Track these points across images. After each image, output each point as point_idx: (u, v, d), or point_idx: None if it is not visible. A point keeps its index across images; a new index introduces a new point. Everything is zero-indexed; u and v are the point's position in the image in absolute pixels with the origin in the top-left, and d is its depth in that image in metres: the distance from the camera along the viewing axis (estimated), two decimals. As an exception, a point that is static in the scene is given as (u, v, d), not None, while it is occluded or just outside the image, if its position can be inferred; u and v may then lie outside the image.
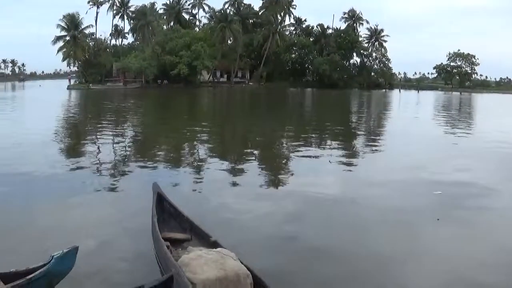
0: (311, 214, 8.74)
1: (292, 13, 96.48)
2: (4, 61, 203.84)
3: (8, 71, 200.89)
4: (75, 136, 20.73)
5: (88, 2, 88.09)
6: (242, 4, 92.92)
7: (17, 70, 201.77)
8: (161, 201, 7.27)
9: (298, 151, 16.67)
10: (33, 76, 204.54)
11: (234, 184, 11.42)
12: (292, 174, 12.83)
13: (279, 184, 11.82)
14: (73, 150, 16.71)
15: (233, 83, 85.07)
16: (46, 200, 9.42)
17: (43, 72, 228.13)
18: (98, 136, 19.80)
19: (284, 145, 19.12)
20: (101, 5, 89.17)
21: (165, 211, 7.20)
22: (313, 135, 21.48)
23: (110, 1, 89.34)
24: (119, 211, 8.82)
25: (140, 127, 24.56)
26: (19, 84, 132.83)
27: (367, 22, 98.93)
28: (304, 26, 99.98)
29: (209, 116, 33.48)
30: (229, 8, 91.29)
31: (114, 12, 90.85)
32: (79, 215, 8.45)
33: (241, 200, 9.65)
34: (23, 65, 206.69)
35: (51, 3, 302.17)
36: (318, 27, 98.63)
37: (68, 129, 23.62)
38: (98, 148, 17.08)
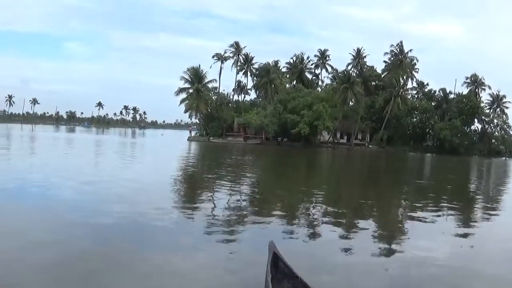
0: (423, 283, 8.59)
1: (415, 77, 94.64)
2: (126, 107, 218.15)
3: (129, 117, 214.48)
4: (193, 187, 21.77)
5: (213, 57, 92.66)
6: (365, 66, 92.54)
7: (138, 117, 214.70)
8: (276, 261, 7.29)
9: (412, 218, 16.02)
10: (154, 124, 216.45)
11: (348, 247, 11.21)
12: (404, 242, 12.37)
13: (392, 250, 11.32)
14: (189, 200, 17.44)
15: (353, 144, 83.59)
16: (158, 247, 9.87)
17: (164, 121, 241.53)
18: (215, 189, 20.44)
19: (399, 211, 18.72)
20: (225, 61, 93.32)
21: (279, 271, 7.20)
22: (429, 204, 19.93)
23: (235, 58, 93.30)
24: (231, 268, 8.83)
25: (257, 184, 24.61)
26: (139, 131, 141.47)
27: (489, 87, 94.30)
28: (426, 90, 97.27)
29: (327, 177, 33.40)
30: (352, 69, 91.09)
31: (238, 68, 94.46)
32: (191, 265, 8.77)
33: (354, 264, 9.65)
34: (144, 113, 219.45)
35: (175, 54, 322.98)
36: (440, 91, 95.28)
37: (187, 179, 24.90)
38: (214, 200, 17.57)
